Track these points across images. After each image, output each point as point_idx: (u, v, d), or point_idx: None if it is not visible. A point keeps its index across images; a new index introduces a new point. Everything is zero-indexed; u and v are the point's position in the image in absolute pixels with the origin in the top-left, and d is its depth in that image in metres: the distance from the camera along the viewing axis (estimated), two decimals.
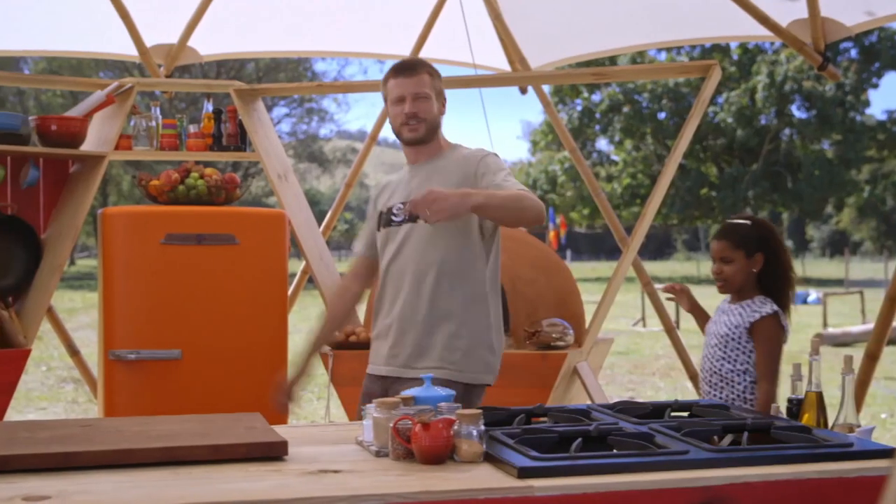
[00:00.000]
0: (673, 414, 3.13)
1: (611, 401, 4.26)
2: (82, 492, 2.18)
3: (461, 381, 3.56)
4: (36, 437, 2.61)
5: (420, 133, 3.69)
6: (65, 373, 12.18)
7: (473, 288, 3.61)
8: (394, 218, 3.72)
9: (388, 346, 3.69)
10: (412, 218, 3.63)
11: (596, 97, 41.13)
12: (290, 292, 6.38)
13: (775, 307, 3.81)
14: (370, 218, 3.90)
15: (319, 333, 3.86)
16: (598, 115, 41.43)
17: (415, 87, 3.68)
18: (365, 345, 5.53)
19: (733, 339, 3.81)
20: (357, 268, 3.93)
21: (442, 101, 3.78)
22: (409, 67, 3.74)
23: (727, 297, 4.02)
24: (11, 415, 5.84)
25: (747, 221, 3.98)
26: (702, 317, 4.28)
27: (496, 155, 3.70)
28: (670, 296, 4.33)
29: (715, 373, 3.84)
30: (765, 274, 3.90)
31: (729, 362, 3.80)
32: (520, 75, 7.06)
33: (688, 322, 19.46)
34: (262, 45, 8.26)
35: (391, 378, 3.68)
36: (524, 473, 2.31)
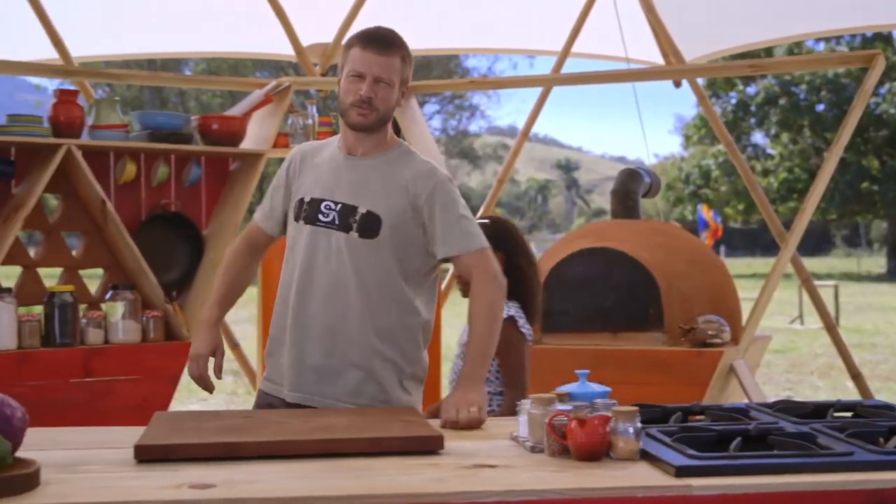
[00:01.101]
0: (836, 414, 3.04)
1: (768, 400, 4.17)
2: (247, 481, 2.24)
3: None
4: (201, 428, 2.68)
5: (369, 121, 3.18)
6: (224, 365, 12.51)
7: (405, 319, 3.21)
8: (322, 217, 3.22)
9: (298, 365, 3.23)
10: (345, 227, 3.17)
11: (751, 89, 40.27)
12: (442, 288, 6.43)
13: (510, 312, 3.63)
14: (279, 188, 3.38)
15: (221, 307, 3.44)
16: (753, 108, 40.57)
17: (381, 68, 3.16)
18: None
19: None
20: (253, 238, 3.46)
21: (403, 90, 3.26)
22: (384, 43, 3.19)
23: None
24: (174, 405, 6.04)
25: (485, 220, 3.74)
26: None
27: (450, 179, 3.27)
28: None
29: None
30: (507, 275, 3.55)
31: None
32: (674, 69, 6.97)
33: (848, 320, 18.92)
34: (414, 43, 8.32)
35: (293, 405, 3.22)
36: (682, 472, 2.28)
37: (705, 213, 22.90)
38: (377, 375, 3.18)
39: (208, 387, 3.34)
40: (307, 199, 3.25)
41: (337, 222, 3.18)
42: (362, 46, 3.17)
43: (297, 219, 3.27)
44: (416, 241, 3.20)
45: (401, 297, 3.19)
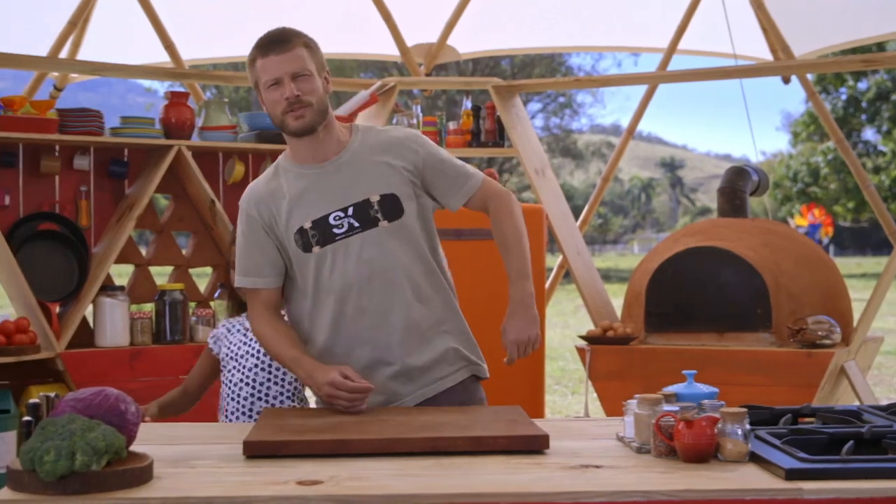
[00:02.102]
0: None
1: (881, 402, 4.08)
2: (353, 478, 2.26)
3: (472, 374, 3.26)
4: (308, 425, 2.72)
5: (307, 119, 3.05)
6: None
7: (446, 289, 3.24)
8: (337, 230, 3.07)
9: (390, 371, 3.12)
10: (371, 222, 3.07)
11: (862, 85, 39.38)
12: (546, 286, 6.42)
13: None
14: (260, 243, 3.14)
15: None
16: (864, 104, 39.67)
17: (291, 64, 3.04)
18: (622, 339, 5.49)
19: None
20: (273, 302, 3.18)
21: (325, 75, 3.14)
22: (281, 41, 3.07)
23: None
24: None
25: None
26: None
27: (418, 134, 3.22)
28: None
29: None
30: None
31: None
32: (783, 64, 6.85)
33: None
34: (518, 42, 8.33)
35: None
36: (792, 475, 2.23)
37: (800, 221, 22.22)
38: (463, 341, 3.22)
39: (368, 387, 2.95)
40: (307, 226, 3.09)
41: (358, 225, 3.07)
42: (263, 54, 3.07)
43: (306, 249, 3.09)
44: (428, 203, 3.19)
45: (438, 262, 3.22)
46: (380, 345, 3.11)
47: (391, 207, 3.09)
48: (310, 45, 3.12)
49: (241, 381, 3.40)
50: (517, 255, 3.15)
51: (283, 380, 3.39)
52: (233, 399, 3.39)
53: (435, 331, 3.16)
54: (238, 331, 3.49)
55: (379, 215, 3.08)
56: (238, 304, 3.64)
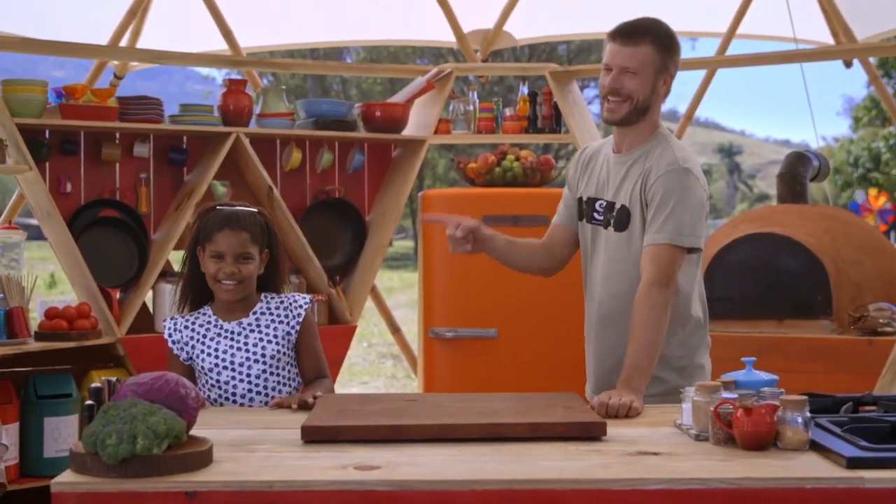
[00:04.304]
0: None
1: None
2: (409, 463, 2.27)
3: None
4: (365, 410, 2.73)
5: (617, 114, 3.17)
6: (384, 349, 12.72)
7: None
8: (596, 216, 3.29)
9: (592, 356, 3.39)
10: (606, 223, 3.25)
11: None
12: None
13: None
14: (568, 185, 3.42)
15: (497, 235, 3.41)
16: None
17: (628, 59, 3.11)
18: None
19: (285, 355, 3.28)
20: (549, 232, 3.48)
21: (664, 78, 3.16)
22: (629, 33, 3.13)
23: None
24: (336, 388, 6.15)
25: (254, 209, 3.36)
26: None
27: (686, 170, 3.12)
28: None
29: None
30: (268, 272, 3.35)
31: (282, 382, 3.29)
32: (845, 48, 6.75)
33: None
34: (574, 27, 8.29)
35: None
36: (853, 464, 2.21)
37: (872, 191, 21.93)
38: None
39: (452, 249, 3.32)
40: (585, 199, 3.33)
41: (602, 219, 3.26)
42: (611, 37, 3.18)
43: (580, 218, 3.37)
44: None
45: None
46: (590, 328, 3.40)
47: (622, 219, 3.21)
48: (658, 45, 3.14)
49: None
50: (637, 350, 3.02)
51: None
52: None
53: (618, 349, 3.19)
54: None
55: (612, 220, 3.23)
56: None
